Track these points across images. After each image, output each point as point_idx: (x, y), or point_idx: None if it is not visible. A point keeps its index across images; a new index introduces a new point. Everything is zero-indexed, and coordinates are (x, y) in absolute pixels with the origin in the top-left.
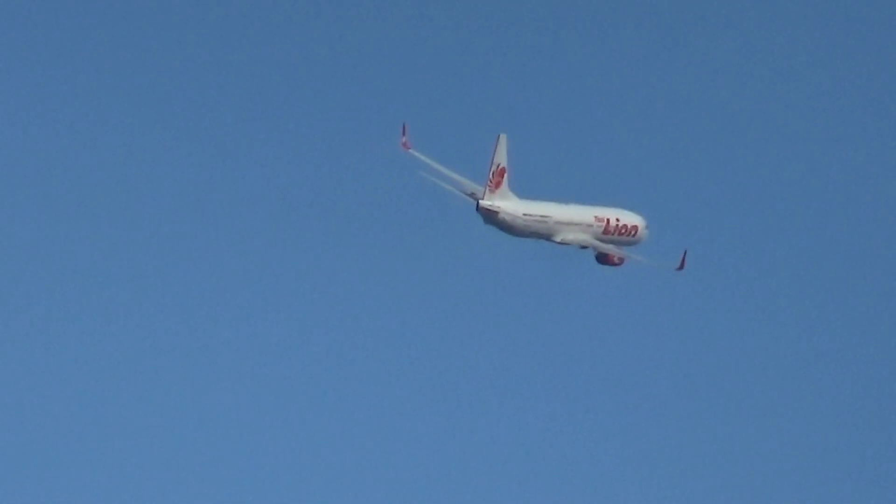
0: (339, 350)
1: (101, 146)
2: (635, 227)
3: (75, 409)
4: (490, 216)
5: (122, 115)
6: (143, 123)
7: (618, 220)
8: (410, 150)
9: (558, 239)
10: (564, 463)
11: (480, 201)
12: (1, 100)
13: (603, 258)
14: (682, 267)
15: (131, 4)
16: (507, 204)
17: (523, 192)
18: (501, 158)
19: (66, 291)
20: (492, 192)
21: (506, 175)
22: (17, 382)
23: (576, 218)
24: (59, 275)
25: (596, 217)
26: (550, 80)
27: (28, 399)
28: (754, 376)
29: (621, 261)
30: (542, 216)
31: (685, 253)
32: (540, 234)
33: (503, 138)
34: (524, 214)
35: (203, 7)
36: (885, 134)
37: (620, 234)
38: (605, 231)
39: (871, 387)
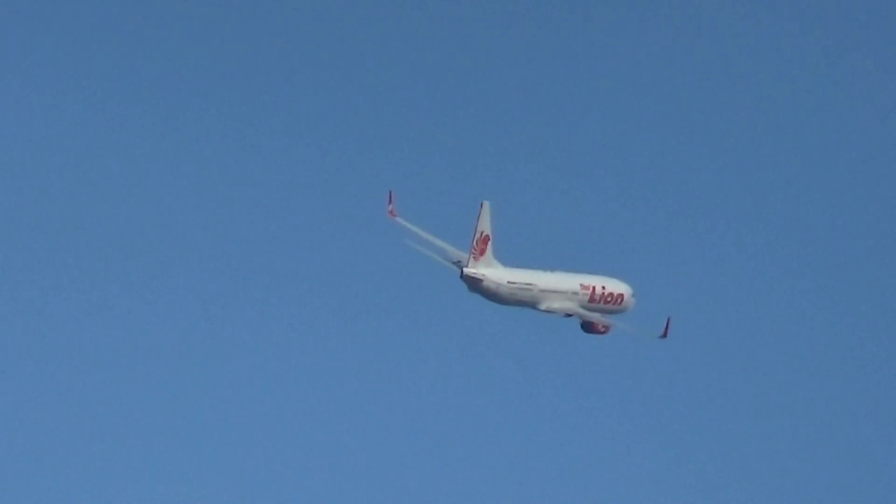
0: (322, 415)
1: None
2: (621, 296)
3: (75, 409)
4: (474, 284)
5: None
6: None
7: (603, 288)
8: (396, 218)
9: (543, 307)
10: None
11: (464, 269)
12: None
13: (588, 326)
14: (665, 335)
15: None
16: (492, 271)
17: (509, 260)
18: (485, 226)
19: (68, 293)
20: (476, 259)
21: (490, 243)
22: (17, 382)
23: (561, 286)
24: (62, 276)
25: (581, 285)
26: (535, 146)
27: (28, 399)
28: (741, 444)
29: (606, 329)
30: (526, 284)
31: (668, 321)
32: (525, 301)
33: (486, 206)
34: (509, 282)
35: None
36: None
37: (606, 302)
38: (591, 299)
39: (862, 456)
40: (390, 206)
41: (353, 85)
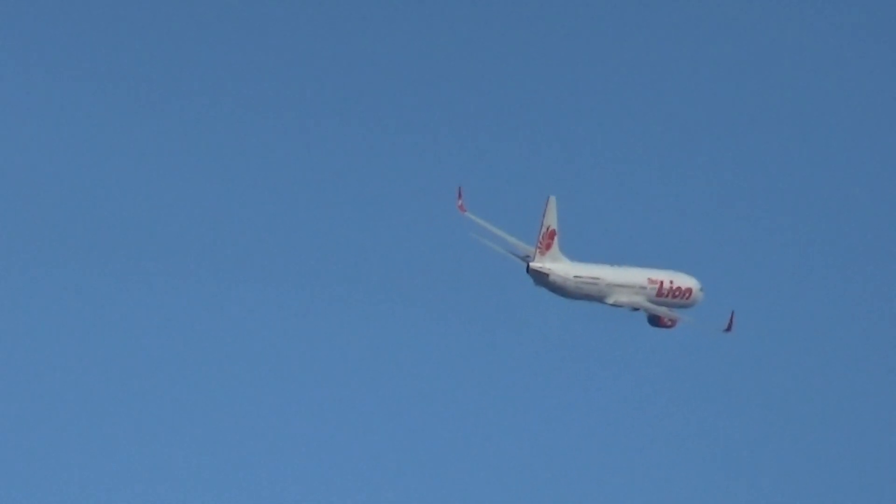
0: (390, 407)
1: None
2: (689, 290)
3: (73, 409)
4: (540, 278)
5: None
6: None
7: (672, 282)
8: (466, 213)
9: (610, 301)
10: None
11: (531, 263)
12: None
13: (655, 320)
14: (729, 328)
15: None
16: (558, 266)
17: (576, 255)
18: (551, 221)
19: (83, 289)
20: (542, 254)
21: (556, 237)
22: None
23: (628, 280)
24: (64, 275)
25: (649, 279)
26: (603, 141)
27: (27, 399)
28: (800, 439)
29: (673, 323)
30: (593, 278)
31: (732, 315)
32: (591, 296)
33: (553, 200)
34: (575, 276)
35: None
36: None
37: (675, 296)
38: (659, 293)
39: None
40: (459, 201)
41: (425, 85)
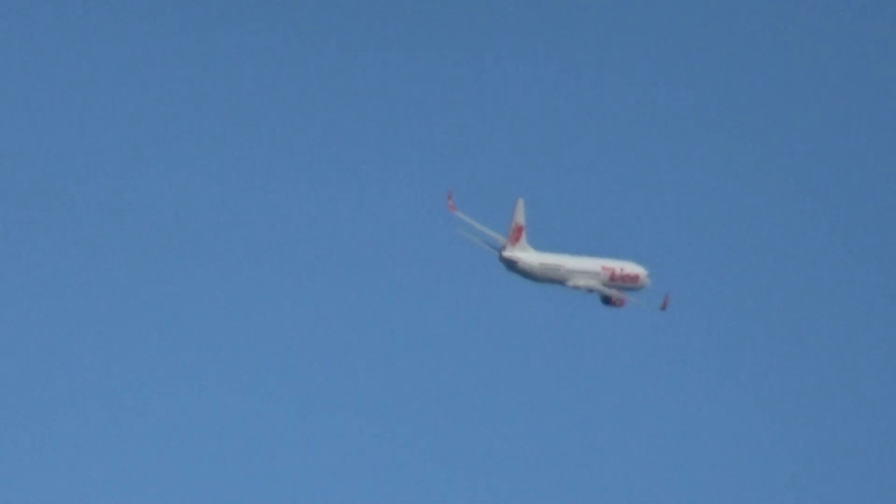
0: (375, 380)
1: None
2: (637, 276)
3: (73, 408)
4: (511, 265)
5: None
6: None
7: (622, 269)
8: (455, 212)
9: (570, 284)
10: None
11: (502, 253)
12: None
13: (607, 300)
14: (664, 307)
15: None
16: (525, 255)
17: (547, 246)
18: (520, 218)
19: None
20: (512, 245)
21: (524, 232)
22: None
23: (585, 267)
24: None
25: (603, 267)
26: (578, 148)
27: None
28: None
29: (622, 302)
30: (555, 265)
31: (666, 296)
32: (554, 280)
33: (521, 202)
34: (540, 263)
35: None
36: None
37: (624, 281)
38: (611, 278)
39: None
40: (450, 202)
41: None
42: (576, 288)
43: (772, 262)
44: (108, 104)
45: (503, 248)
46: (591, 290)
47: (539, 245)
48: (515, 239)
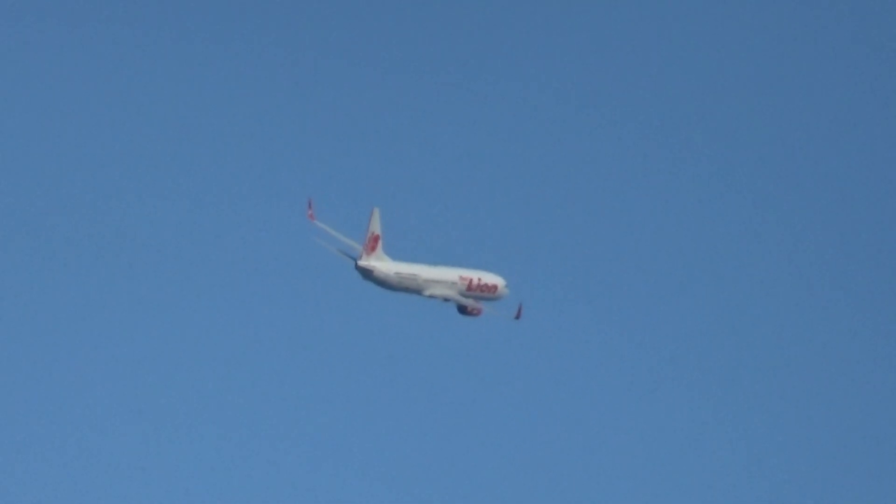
0: (228, 391)
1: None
2: (495, 286)
3: (70, 408)
4: (366, 274)
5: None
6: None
7: (479, 279)
8: (315, 221)
9: (427, 293)
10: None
11: (357, 262)
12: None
13: (463, 309)
14: (518, 316)
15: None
16: (381, 264)
17: (414, 256)
18: (375, 228)
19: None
20: (368, 254)
21: (380, 241)
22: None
23: (442, 277)
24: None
25: (461, 277)
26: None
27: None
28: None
29: (478, 311)
30: (411, 274)
31: (520, 305)
32: (411, 289)
33: (376, 211)
34: (396, 273)
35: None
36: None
37: (482, 290)
38: (469, 288)
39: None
40: (310, 211)
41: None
42: (432, 297)
43: (640, 266)
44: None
45: (359, 257)
46: (447, 300)
47: (400, 255)
48: (371, 248)
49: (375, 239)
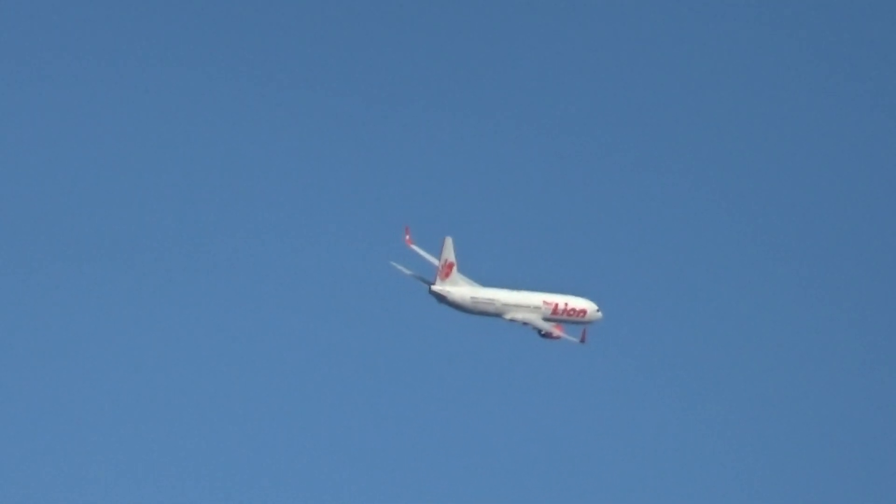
0: (313, 412)
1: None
2: (584, 311)
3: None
4: (441, 299)
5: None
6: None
7: (566, 304)
8: (412, 246)
9: (508, 317)
10: None
11: (431, 286)
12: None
13: (543, 333)
14: (583, 340)
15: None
16: (456, 289)
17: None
18: (448, 255)
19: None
20: (442, 279)
21: (454, 267)
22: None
23: (522, 301)
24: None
25: (545, 301)
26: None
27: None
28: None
29: (558, 336)
30: (488, 299)
31: (584, 330)
32: (489, 313)
33: (449, 241)
34: (472, 297)
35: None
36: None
37: (570, 315)
38: (554, 312)
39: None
40: (407, 236)
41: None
42: (513, 321)
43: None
44: None
45: (434, 282)
46: (526, 324)
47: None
48: (446, 275)
49: (450, 266)
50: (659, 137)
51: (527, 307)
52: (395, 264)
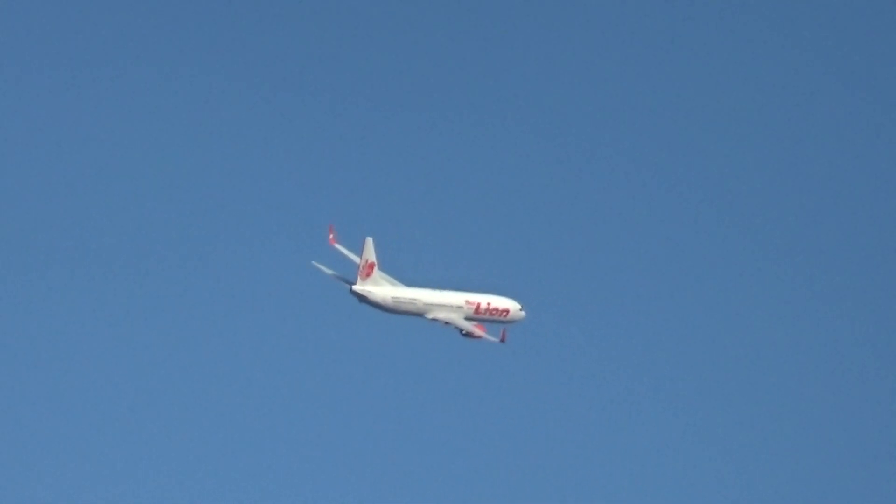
0: (231, 408)
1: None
2: (507, 310)
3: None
4: (362, 299)
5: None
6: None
7: (489, 303)
8: (336, 245)
9: (430, 316)
10: None
11: (352, 286)
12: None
13: (466, 333)
14: (503, 340)
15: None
16: (378, 289)
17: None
18: (370, 255)
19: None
20: (363, 279)
21: (375, 268)
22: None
23: (445, 301)
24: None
25: (467, 301)
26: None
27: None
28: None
29: (479, 335)
30: (410, 299)
31: (504, 330)
32: (411, 312)
33: (369, 241)
34: (393, 297)
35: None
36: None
37: (492, 314)
38: (476, 311)
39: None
40: (331, 235)
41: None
42: (434, 320)
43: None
44: None
45: (350, 281)
46: (447, 323)
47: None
48: (367, 275)
49: (371, 266)
50: (572, 125)
51: (449, 307)
52: (316, 264)
